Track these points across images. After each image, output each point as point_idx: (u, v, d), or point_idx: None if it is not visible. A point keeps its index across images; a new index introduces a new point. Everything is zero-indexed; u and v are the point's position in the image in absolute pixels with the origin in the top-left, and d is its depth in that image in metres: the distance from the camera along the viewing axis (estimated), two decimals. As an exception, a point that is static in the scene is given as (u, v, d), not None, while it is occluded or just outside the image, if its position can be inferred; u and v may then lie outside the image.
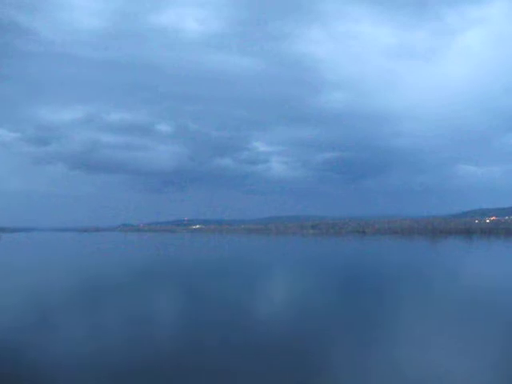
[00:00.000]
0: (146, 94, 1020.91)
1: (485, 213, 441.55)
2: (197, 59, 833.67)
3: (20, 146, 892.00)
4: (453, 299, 62.95)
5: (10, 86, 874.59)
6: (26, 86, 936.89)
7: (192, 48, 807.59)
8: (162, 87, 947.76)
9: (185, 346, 43.33)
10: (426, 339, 43.28)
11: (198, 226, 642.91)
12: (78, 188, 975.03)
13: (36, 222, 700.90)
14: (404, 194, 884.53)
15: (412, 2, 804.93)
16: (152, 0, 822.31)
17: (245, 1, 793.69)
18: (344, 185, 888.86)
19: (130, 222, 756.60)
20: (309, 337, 42.57)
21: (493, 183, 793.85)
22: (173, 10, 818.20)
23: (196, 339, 43.54)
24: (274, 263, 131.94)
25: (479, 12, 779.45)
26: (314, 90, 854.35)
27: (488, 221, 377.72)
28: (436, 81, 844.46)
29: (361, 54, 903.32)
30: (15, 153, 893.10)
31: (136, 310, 58.14)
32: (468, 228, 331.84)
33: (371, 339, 41.24)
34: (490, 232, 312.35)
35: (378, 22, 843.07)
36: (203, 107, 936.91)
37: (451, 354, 36.74)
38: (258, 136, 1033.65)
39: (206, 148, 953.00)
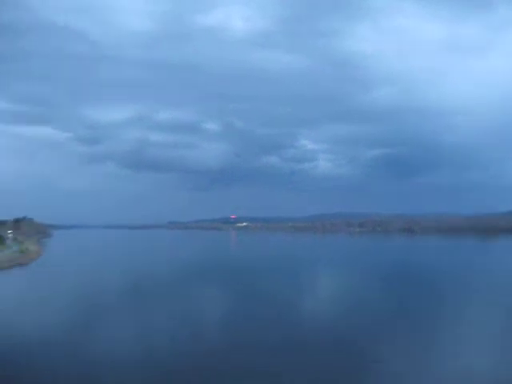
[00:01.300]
0: (193, 93, 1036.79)
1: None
2: (243, 57, 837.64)
3: (72, 145, 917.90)
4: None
5: (63, 87, 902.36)
6: (77, 87, 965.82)
7: (238, 46, 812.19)
8: (209, 86, 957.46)
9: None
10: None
11: (244, 224, 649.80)
12: (128, 186, 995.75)
13: (86, 219, 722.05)
14: (453, 192, 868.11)
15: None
16: (199, 0, 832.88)
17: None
18: (391, 182, 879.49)
19: (178, 219, 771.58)
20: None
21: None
22: (219, 10, 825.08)
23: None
24: (335, 265, 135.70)
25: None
26: (363, 86, 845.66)
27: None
28: (488, 75, 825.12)
29: (410, 48, 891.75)
30: (67, 152, 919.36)
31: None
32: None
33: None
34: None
35: (427, 15, 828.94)
36: (250, 105, 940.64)
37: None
38: (304, 133, 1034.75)
39: (253, 146, 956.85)
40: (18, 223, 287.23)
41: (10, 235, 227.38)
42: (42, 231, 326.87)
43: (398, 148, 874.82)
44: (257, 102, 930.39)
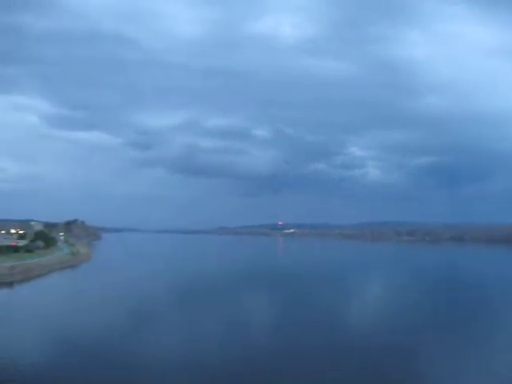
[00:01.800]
0: (243, 100, 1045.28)
1: None
2: (292, 64, 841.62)
3: (123, 150, 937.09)
4: None
5: (114, 93, 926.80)
6: (128, 93, 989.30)
7: (287, 53, 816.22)
8: (259, 93, 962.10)
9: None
10: None
11: (292, 230, 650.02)
12: (178, 191, 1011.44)
13: (137, 223, 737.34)
14: (503, 201, 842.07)
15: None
16: (249, 8, 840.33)
17: (340, 3, 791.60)
18: (441, 190, 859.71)
19: (227, 224, 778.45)
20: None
21: None
22: (269, 17, 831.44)
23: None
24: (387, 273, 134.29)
25: None
26: (412, 92, 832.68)
27: None
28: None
29: (461, 54, 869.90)
30: (119, 157, 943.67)
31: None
32: None
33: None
34: None
35: (478, 20, 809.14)
36: (298, 112, 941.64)
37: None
38: (353, 140, 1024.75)
39: (301, 152, 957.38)
40: (69, 225, 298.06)
41: (62, 237, 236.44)
42: (92, 234, 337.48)
43: (446, 156, 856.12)
44: (305, 109, 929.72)
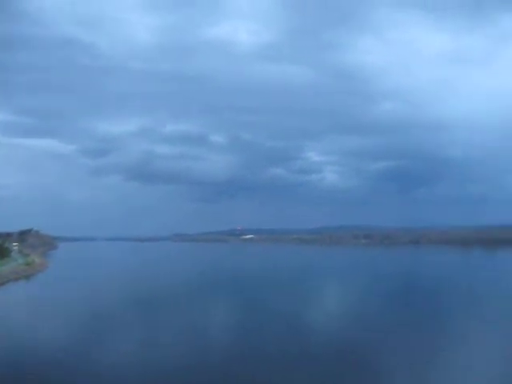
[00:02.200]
0: (200, 106, 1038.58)
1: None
2: (250, 70, 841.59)
3: (77, 157, 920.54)
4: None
5: (70, 99, 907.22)
6: (84, 99, 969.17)
7: (245, 59, 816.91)
8: (216, 99, 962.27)
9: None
10: None
11: (250, 236, 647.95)
12: (134, 198, 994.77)
13: (93, 231, 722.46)
14: (458, 204, 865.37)
15: (466, 8, 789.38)
16: (207, 14, 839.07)
17: (297, 11, 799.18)
18: (397, 194, 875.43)
19: (184, 231, 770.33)
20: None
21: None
22: (226, 23, 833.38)
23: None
24: (339, 276, 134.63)
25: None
26: (367, 99, 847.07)
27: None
28: (491, 88, 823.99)
29: (414, 61, 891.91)
30: (73, 164, 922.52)
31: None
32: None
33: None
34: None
35: (431, 28, 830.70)
36: (256, 117, 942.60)
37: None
38: (311, 146, 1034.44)
39: (259, 158, 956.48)
40: (23, 235, 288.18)
41: (16, 247, 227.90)
42: (48, 243, 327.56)
43: (403, 161, 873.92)
44: (263, 114, 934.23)
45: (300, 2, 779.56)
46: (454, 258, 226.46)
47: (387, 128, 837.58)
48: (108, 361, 46.69)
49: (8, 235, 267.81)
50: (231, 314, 78.37)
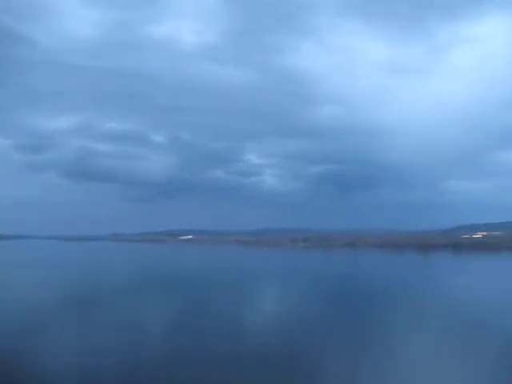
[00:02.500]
0: (140, 104, 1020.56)
1: (475, 228, 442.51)
2: (193, 70, 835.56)
3: (13, 152, 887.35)
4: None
5: (4, 92, 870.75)
6: (21, 94, 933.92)
7: (188, 59, 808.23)
8: (157, 97, 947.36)
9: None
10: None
11: (189, 237, 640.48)
12: (70, 196, 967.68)
13: (27, 229, 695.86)
14: (396, 209, 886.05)
15: (405, 18, 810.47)
16: (150, 12, 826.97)
17: (241, 13, 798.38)
18: (336, 198, 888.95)
19: (121, 231, 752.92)
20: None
21: (483, 198, 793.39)
22: (169, 22, 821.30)
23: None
24: (270, 277, 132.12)
25: (470, 30, 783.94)
26: (307, 103, 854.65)
27: (477, 236, 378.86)
28: (427, 97, 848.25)
29: (353, 68, 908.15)
30: (7, 160, 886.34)
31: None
32: (458, 243, 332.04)
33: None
34: (479, 247, 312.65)
35: (371, 36, 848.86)
36: (197, 118, 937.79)
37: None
38: (251, 148, 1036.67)
39: (199, 159, 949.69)
40: None
41: None
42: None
43: (342, 165, 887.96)
44: (204, 115, 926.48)
45: (244, 4, 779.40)
46: (385, 260, 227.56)
47: (327, 132, 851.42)
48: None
49: None
50: (158, 316, 72.14)
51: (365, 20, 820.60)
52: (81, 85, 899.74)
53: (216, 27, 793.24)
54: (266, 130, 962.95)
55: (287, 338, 52.07)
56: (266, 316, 69.54)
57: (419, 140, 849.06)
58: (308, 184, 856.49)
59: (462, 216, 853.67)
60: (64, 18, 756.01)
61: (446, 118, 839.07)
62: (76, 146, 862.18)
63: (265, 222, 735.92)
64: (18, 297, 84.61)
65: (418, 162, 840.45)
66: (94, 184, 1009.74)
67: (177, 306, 80.00)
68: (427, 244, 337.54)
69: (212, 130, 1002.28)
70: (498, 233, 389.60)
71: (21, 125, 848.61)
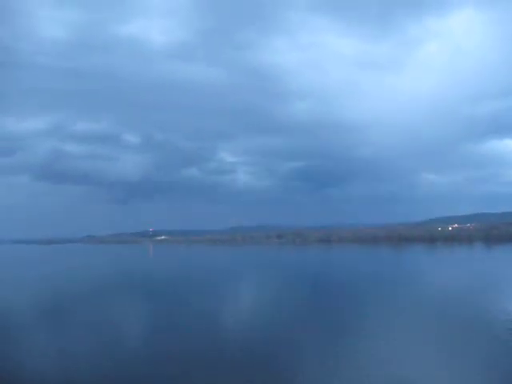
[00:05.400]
0: (112, 104, 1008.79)
1: (447, 220, 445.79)
2: (164, 69, 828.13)
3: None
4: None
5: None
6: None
7: (158, 58, 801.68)
8: (129, 97, 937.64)
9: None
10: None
11: (163, 237, 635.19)
12: (43, 199, 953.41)
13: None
14: (369, 203, 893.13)
15: (376, 14, 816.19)
16: (117, 11, 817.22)
17: (210, 10, 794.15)
18: (310, 194, 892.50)
19: (95, 233, 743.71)
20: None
21: (455, 191, 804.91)
22: (138, 21, 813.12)
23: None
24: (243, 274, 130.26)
25: (439, 24, 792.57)
26: (279, 99, 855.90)
27: (450, 228, 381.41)
28: (398, 91, 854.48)
29: (325, 64, 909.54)
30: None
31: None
32: (431, 235, 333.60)
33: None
34: (452, 239, 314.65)
35: (342, 32, 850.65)
36: (170, 117, 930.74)
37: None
38: (224, 146, 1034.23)
39: (173, 158, 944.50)
40: None
41: None
42: None
43: (315, 161, 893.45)
44: (177, 114, 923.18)
45: (214, 2, 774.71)
46: (359, 255, 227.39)
47: (299, 128, 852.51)
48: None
49: None
50: (132, 316, 69.82)
51: (336, 16, 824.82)
52: (51, 86, 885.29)
53: (185, 25, 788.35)
54: (240, 128, 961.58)
55: (255, 333, 52.42)
56: (234, 312, 69.03)
57: (391, 134, 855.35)
58: (282, 180, 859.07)
59: (435, 209, 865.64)
60: (32, 19, 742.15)
61: (418, 112, 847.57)
62: (48, 147, 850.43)
63: (240, 220, 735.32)
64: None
65: (391, 155, 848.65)
66: (67, 186, 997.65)
67: (142, 308, 78.07)
68: (401, 237, 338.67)
69: (186, 129, 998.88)
70: (469, 225, 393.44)
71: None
